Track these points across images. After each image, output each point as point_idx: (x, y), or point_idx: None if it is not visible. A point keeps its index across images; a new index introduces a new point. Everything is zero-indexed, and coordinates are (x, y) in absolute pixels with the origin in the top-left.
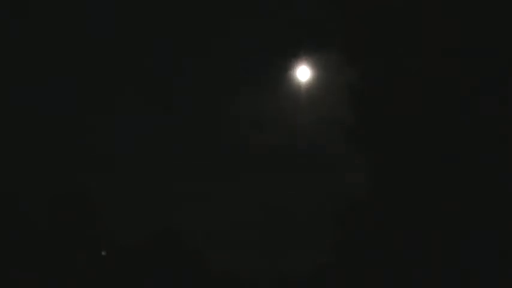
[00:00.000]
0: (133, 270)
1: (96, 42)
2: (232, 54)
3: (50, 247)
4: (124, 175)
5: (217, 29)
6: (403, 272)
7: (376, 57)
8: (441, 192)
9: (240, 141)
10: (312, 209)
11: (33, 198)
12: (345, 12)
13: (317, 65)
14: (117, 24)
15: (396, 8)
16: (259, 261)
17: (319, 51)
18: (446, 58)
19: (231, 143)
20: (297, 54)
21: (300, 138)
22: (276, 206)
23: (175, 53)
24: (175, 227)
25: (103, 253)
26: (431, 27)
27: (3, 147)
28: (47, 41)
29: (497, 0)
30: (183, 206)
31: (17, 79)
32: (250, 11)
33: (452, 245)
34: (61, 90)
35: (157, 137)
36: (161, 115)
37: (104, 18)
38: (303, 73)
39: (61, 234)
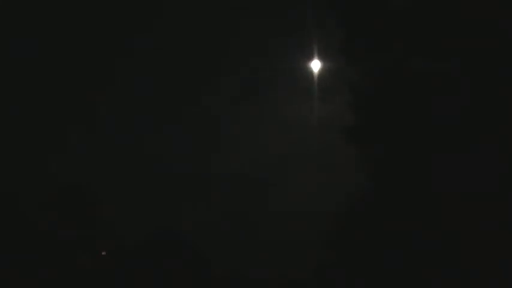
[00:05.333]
0: (133, 270)
1: None
2: (232, 56)
3: (50, 247)
4: (124, 175)
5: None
6: (403, 271)
7: (376, 57)
8: (441, 192)
9: (241, 140)
10: (312, 209)
11: (33, 198)
12: (345, 13)
13: (317, 65)
14: None
15: (396, 8)
16: (260, 262)
17: (319, 52)
18: (447, 58)
19: (234, 140)
20: (297, 55)
21: (300, 138)
22: (276, 205)
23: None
24: (175, 227)
25: (103, 253)
26: (432, 27)
27: (3, 147)
28: None
29: (497, 0)
30: (183, 206)
31: (14, 79)
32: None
33: (452, 244)
34: (58, 89)
35: (158, 137)
36: (162, 115)
37: None
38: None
39: (61, 234)
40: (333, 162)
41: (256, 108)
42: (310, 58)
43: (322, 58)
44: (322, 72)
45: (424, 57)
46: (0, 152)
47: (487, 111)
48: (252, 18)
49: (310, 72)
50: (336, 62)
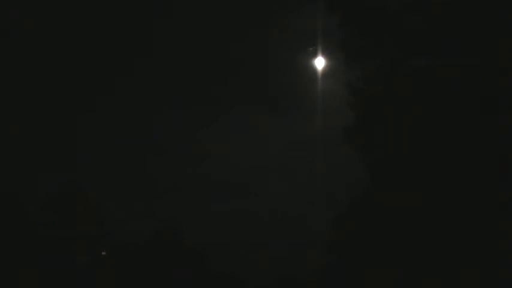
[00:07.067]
0: (133, 270)
1: None
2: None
3: (49, 247)
4: (124, 175)
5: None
6: (403, 271)
7: (376, 57)
8: (441, 192)
9: (241, 140)
10: (312, 209)
11: (33, 198)
12: (345, 13)
13: (318, 66)
14: None
15: (396, 8)
16: (260, 261)
17: (319, 52)
18: (447, 58)
19: (234, 140)
20: (297, 55)
21: (300, 138)
22: (277, 206)
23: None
24: (175, 227)
25: (103, 253)
26: (432, 27)
27: (3, 147)
28: None
29: (497, 0)
30: (183, 206)
31: (14, 79)
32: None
33: (452, 244)
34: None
35: (158, 137)
36: (162, 115)
37: None
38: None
39: (61, 234)
40: (333, 162)
41: (256, 108)
42: (310, 58)
43: (322, 58)
44: (322, 72)
45: (424, 57)
46: (0, 152)
47: (487, 111)
48: (252, 19)
49: (310, 72)
50: (336, 62)
